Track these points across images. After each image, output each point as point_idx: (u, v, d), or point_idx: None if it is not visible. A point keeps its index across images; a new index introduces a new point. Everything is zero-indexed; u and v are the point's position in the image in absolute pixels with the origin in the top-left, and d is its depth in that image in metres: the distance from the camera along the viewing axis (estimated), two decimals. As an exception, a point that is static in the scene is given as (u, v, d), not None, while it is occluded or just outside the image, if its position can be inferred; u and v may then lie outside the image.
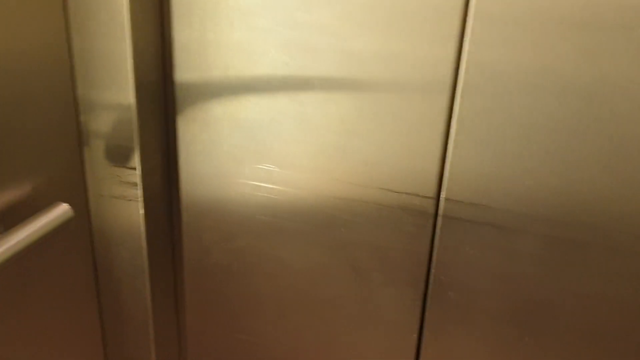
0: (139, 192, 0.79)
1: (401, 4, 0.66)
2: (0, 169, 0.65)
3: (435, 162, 0.72)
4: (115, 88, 0.74)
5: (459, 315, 0.79)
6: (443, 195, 0.73)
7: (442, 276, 0.77)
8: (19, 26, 0.64)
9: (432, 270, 0.78)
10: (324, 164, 0.77)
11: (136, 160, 0.77)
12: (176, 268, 0.91)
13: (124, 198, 0.80)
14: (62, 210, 0.67)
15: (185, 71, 0.77)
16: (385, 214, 0.76)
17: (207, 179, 0.83)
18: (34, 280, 0.74)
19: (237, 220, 0.83)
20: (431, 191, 0.73)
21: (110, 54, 0.72)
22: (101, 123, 0.76)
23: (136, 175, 0.78)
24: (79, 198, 0.79)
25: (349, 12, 0.68)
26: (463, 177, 0.72)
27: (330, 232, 0.80)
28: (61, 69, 0.72)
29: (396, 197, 0.75)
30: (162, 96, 0.79)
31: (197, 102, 0.79)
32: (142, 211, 0.80)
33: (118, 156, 0.78)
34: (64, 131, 0.74)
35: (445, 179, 0.72)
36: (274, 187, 0.80)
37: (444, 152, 0.71)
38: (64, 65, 0.72)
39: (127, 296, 0.87)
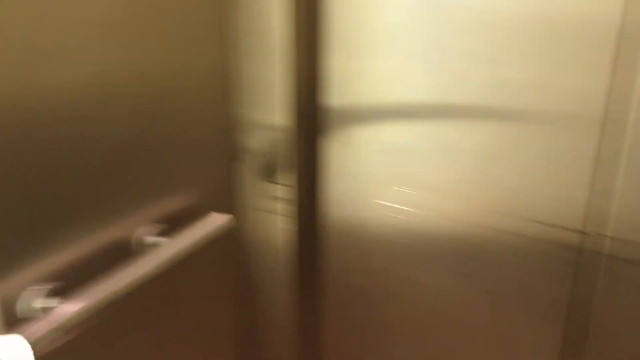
0: (289, 207, 0.84)
1: (557, 33, 0.65)
2: (164, 181, 0.71)
3: (584, 195, 0.68)
4: (273, 110, 0.79)
5: (600, 359, 0.73)
6: (603, 232, 0.69)
7: (588, 316, 0.72)
8: (181, 49, 0.70)
9: (578, 309, 0.73)
10: (466, 190, 0.76)
11: (288, 178, 0.83)
12: (317, 284, 0.94)
13: (275, 212, 0.85)
14: (224, 220, 0.73)
15: (335, 96, 0.81)
16: (528, 246, 0.74)
17: (349, 199, 0.86)
18: (187, 283, 0.79)
19: (375, 241, 0.85)
20: (579, 224, 0.70)
21: (270, 79, 0.78)
22: (256, 141, 0.82)
23: (286, 191, 0.83)
24: (232, 210, 0.85)
25: (502, 40, 0.68)
26: (627, 213, 0.67)
27: (469, 261, 0.79)
28: (221, 91, 0.78)
29: (541, 228, 0.72)
30: (312, 119, 0.84)
31: (344, 125, 0.82)
32: (290, 226, 0.85)
33: (271, 173, 0.83)
34: (221, 147, 0.81)
35: (607, 215, 0.68)
36: (414, 210, 0.81)
37: (593, 184, 0.68)
38: (224, 87, 0.78)
39: (271, 308, 0.91)
